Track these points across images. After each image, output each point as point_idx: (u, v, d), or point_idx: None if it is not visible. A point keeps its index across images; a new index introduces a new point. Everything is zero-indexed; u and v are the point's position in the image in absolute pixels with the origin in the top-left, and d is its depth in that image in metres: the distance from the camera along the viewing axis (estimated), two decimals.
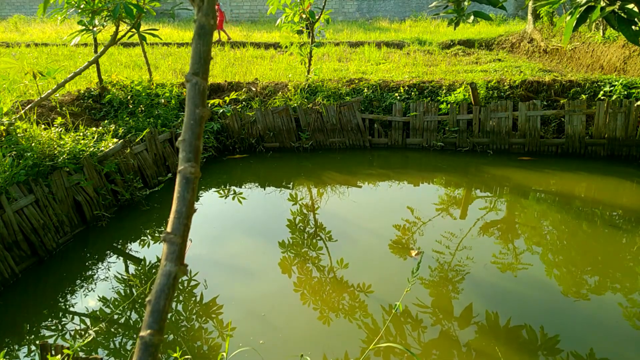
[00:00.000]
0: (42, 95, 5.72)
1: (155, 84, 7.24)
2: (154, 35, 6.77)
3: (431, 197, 5.76)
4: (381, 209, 5.42)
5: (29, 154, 4.54)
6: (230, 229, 5.06)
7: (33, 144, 4.71)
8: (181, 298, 3.85)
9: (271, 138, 7.20)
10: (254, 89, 7.73)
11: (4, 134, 4.85)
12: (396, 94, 7.45)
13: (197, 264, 4.25)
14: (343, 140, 7.26)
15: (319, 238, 4.76)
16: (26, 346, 3.37)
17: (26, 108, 5.51)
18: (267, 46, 13.00)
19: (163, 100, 6.78)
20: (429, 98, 7.40)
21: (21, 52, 11.44)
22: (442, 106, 7.14)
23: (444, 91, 7.39)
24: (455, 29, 3.23)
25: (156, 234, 4.84)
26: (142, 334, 0.71)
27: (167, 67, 9.37)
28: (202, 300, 3.77)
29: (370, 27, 17.30)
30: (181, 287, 3.96)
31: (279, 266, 4.24)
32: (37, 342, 3.39)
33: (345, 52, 11.72)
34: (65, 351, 2.34)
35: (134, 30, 6.32)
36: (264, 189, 6.03)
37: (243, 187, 6.09)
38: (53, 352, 2.35)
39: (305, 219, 5.22)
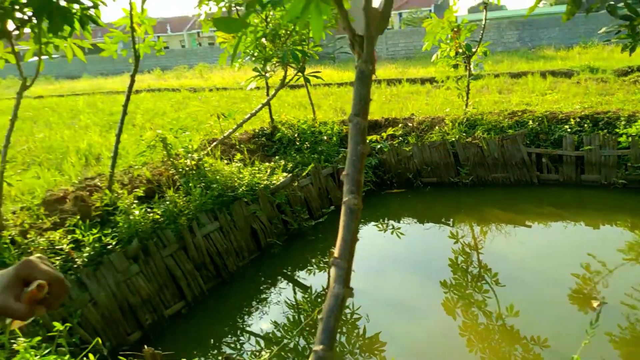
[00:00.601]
0: (225, 134, 6.48)
1: (318, 122, 7.73)
2: (317, 77, 7.28)
3: (614, 242, 5.15)
4: (554, 252, 5.00)
5: (214, 186, 5.14)
6: (391, 263, 5.10)
7: (218, 177, 5.33)
8: (344, 330, 3.96)
9: (429, 173, 7.16)
10: (410, 125, 7.80)
11: (194, 168, 5.57)
12: (566, 126, 6.90)
13: (360, 298, 4.35)
14: (507, 175, 6.91)
15: (484, 281, 4.55)
16: (211, 358, 3.76)
17: (212, 145, 6.28)
18: (422, 81, 13.07)
19: (325, 138, 7.19)
20: (605, 130, 6.72)
21: (205, 96, 13.12)
22: (622, 139, 6.43)
23: (622, 122, 6.65)
24: (630, 54, 2.94)
25: (321, 264, 5.09)
26: (315, 348, 0.77)
27: (328, 105, 9.93)
28: (364, 334, 3.84)
29: (533, 56, 16.39)
30: (344, 318, 4.07)
31: (442, 307, 4.14)
32: (219, 357, 3.78)
33: (506, 84, 11.25)
34: None
35: (300, 74, 6.88)
36: (423, 224, 5.99)
37: (401, 221, 6.12)
38: None
39: (468, 259, 5.05)
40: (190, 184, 5.03)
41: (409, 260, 5.14)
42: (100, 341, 3.07)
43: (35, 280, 0.89)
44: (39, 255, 0.95)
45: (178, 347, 3.66)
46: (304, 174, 6.11)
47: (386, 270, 4.95)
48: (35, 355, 2.30)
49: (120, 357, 2.53)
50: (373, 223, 6.12)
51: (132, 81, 4.66)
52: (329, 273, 4.94)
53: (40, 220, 4.01)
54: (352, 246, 0.91)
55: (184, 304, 4.26)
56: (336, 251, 0.81)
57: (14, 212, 4.07)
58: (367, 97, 0.97)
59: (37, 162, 6.27)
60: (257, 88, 12.21)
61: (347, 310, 4.14)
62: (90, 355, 2.49)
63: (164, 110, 10.93)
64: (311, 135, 7.23)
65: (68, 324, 3.03)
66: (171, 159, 5.42)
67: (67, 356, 2.46)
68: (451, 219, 6.04)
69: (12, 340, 2.46)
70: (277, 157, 6.61)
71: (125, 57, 5.21)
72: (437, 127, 7.48)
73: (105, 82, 19.62)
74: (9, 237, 3.60)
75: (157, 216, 4.36)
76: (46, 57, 4.08)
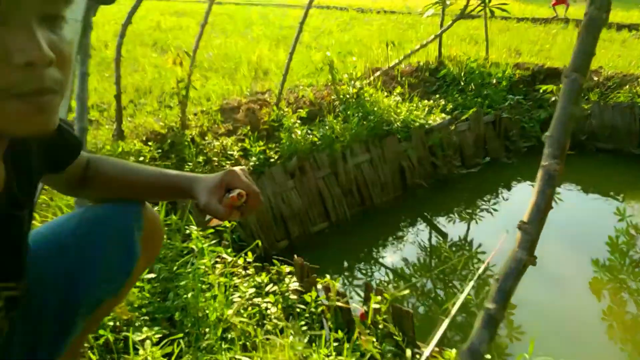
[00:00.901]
0: (391, 65, 6.39)
1: (490, 62, 7.21)
2: (503, 9, 6.65)
3: None
4: None
5: (371, 117, 5.19)
6: (544, 231, 4.82)
7: (375, 109, 5.35)
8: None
9: (605, 138, 6.41)
10: (595, 79, 6.93)
11: (354, 96, 5.65)
12: None
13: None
14: None
15: None
16: (343, 279, 4.02)
17: (375, 74, 6.26)
18: (619, 27, 11.28)
19: (494, 81, 6.73)
20: None
21: (371, 18, 12.91)
22: None
23: None
24: None
25: (463, 214, 5.00)
26: (488, 305, 0.77)
27: (502, 43, 9.14)
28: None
29: None
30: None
31: (589, 286, 3.87)
32: (350, 278, 4.02)
33: None
34: (385, 295, 2.68)
35: (484, 3, 6.31)
36: (587, 194, 5.49)
37: (563, 186, 5.66)
38: (374, 292, 2.73)
39: (631, 241, 4.57)
40: (349, 112, 5.15)
41: (563, 230, 4.80)
42: (260, 243, 3.44)
43: (236, 188, 1.00)
44: (241, 167, 1.09)
45: (317, 262, 3.96)
46: (463, 117, 5.87)
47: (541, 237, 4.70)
48: (204, 243, 2.65)
49: (275, 260, 2.83)
50: (529, 182, 5.75)
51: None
52: (469, 224, 4.85)
53: (216, 125, 4.47)
54: (544, 213, 0.87)
55: (327, 224, 4.55)
56: (526, 216, 0.79)
57: (195, 114, 4.57)
58: (591, 50, 0.88)
59: (213, 69, 6.85)
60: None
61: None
62: (249, 253, 2.81)
63: (330, 30, 11.03)
64: (479, 76, 6.80)
65: (233, 222, 3.43)
66: (335, 84, 5.55)
67: (230, 249, 2.79)
68: (621, 194, 5.43)
69: (186, 227, 2.85)
70: (437, 95, 6.40)
71: None
72: (627, 86, 6.56)
73: None
74: (190, 137, 4.07)
75: (316, 139, 4.59)
76: None
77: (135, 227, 1.09)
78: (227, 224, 2.91)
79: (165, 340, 1.80)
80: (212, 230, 2.84)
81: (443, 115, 5.75)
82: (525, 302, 3.66)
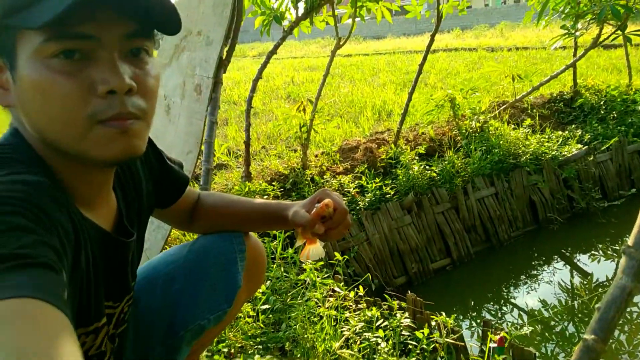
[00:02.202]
0: (517, 97, 6.12)
1: (634, 89, 6.54)
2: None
3: None
4: None
5: (496, 150, 4.97)
6: None
7: (501, 142, 5.12)
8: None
9: None
10: None
11: (478, 130, 5.48)
12: None
13: None
14: None
15: None
16: (469, 320, 3.80)
17: (501, 108, 6.03)
18: None
19: None
20: None
21: (503, 56, 12.52)
22: None
23: None
24: None
25: (609, 251, 4.46)
26: (586, 337, 0.70)
27: None
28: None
29: None
30: (628, 317, 3.53)
31: None
32: (477, 319, 3.78)
33: None
34: (504, 334, 2.50)
35: (619, 32, 5.87)
36: None
37: None
38: (493, 331, 2.56)
39: None
40: (471, 146, 5.01)
41: None
42: (370, 277, 3.45)
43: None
44: (335, 190, 1.15)
45: (438, 300, 3.81)
46: (604, 147, 5.33)
47: None
48: (317, 277, 2.72)
49: (386, 295, 2.80)
50: None
51: (432, 41, 4.80)
52: (617, 263, 4.31)
53: (335, 165, 4.64)
54: None
55: (449, 262, 4.38)
56: (631, 239, 0.73)
57: (316, 156, 4.81)
58: None
59: (339, 114, 7.17)
60: (563, 48, 11.05)
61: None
62: (360, 287, 2.83)
63: (457, 70, 10.93)
64: (621, 103, 6.19)
65: (346, 256, 3.49)
66: (456, 120, 5.46)
67: (342, 283, 2.83)
68: None
69: (302, 261, 2.96)
70: (573, 126, 5.93)
71: (428, 17, 5.38)
72: None
73: (406, 42, 20.62)
74: (310, 176, 4.29)
75: (434, 174, 4.52)
76: (358, 19, 4.57)
77: (238, 258, 1.14)
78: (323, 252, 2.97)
79: None
80: (322, 263, 2.93)
81: (579, 146, 5.29)
82: None
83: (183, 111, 2.76)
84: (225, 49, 2.61)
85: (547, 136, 5.43)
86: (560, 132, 5.59)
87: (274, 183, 4.13)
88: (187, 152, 2.63)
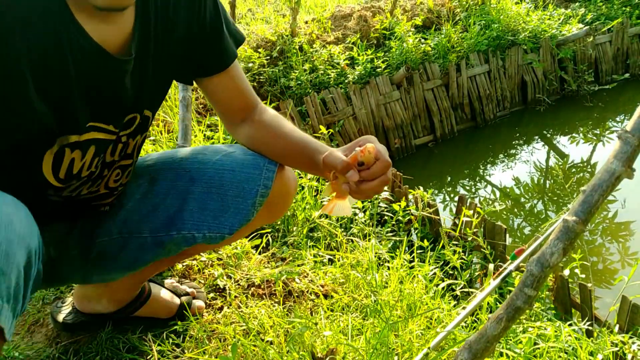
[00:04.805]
0: None
1: None
2: None
3: None
4: None
5: (495, 26, 4.78)
6: None
7: (501, 17, 4.91)
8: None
9: None
10: None
11: (479, 3, 5.21)
12: None
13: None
14: None
15: None
16: (445, 194, 3.98)
17: None
18: None
19: None
20: None
21: None
22: None
23: None
24: None
25: (589, 134, 4.55)
26: (567, 217, 0.73)
27: None
28: (614, 218, 3.48)
29: None
30: None
31: None
32: (453, 195, 3.97)
33: None
34: (478, 209, 2.64)
35: None
36: None
37: None
38: (467, 205, 2.70)
39: None
40: (470, 20, 4.80)
41: None
42: None
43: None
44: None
45: (417, 174, 3.95)
46: (604, 29, 5.14)
47: None
48: None
49: None
50: None
51: None
52: (595, 146, 4.41)
53: (325, 33, 4.47)
54: None
55: (432, 138, 4.45)
56: (629, 125, 0.72)
57: (306, 22, 4.60)
58: None
59: None
60: None
61: None
62: None
63: None
64: None
65: (331, 130, 3.53)
66: None
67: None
68: None
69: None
70: (577, 4, 5.64)
71: None
72: None
73: None
74: (299, 44, 4.14)
75: (429, 48, 4.39)
76: None
77: (259, 192, 1.04)
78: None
79: (255, 234, 1.93)
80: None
81: (580, 25, 5.09)
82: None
83: None
84: None
85: (548, 13, 5.20)
86: (562, 10, 5.34)
87: (260, 50, 4.00)
88: None
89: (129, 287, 1.26)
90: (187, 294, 1.43)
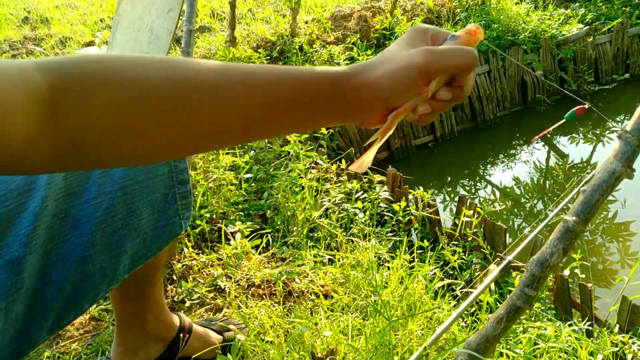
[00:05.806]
0: None
1: None
2: None
3: None
4: None
5: (495, 26, 4.78)
6: None
7: (501, 17, 4.91)
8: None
9: None
10: None
11: (479, 2, 5.21)
12: None
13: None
14: None
15: None
16: (445, 195, 3.98)
17: None
18: None
19: None
20: None
21: None
22: None
23: None
24: None
25: (589, 135, 4.55)
26: (567, 217, 0.73)
27: None
28: (614, 218, 3.48)
29: None
30: None
31: None
32: (453, 195, 3.97)
33: None
34: (478, 209, 2.64)
35: None
36: None
37: None
38: (467, 206, 2.70)
39: None
40: (470, 20, 4.80)
41: None
42: (353, 151, 3.52)
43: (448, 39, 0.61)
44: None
45: (417, 175, 3.95)
46: (604, 29, 5.15)
47: None
48: (301, 149, 2.77)
49: (367, 169, 2.88)
50: None
51: None
52: (595, 146, 4.42)
53: (325, 33, 4.47)
54: None
55: (432, 139, 4.45)
56: (630, 125, 0.72)
57: (306, 22, 4.60)
58: None
59: None
60: None
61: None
62: (343, 161, 2.91)
63: None
64: None
65: (330, 130, 3.53)
66: None
67: (325, 156, 2.90)
68: None
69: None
70: (577, 4, 5.65)
71: None
72: None
73: None
74: (299, 44, 4.14)
75: None
76: None
77: (177, 194, 0.85)
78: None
79: (255, 234, 1.96)
80: (306, 135, 2.94)
81: (580, 25, 5.10)
82: None
83: None
84: None
85: (548, 13, 5.20)
86: (562, 10, 5.35)
87: (260, 50, 4.00)
88: (168, 10, 2.51)
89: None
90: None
